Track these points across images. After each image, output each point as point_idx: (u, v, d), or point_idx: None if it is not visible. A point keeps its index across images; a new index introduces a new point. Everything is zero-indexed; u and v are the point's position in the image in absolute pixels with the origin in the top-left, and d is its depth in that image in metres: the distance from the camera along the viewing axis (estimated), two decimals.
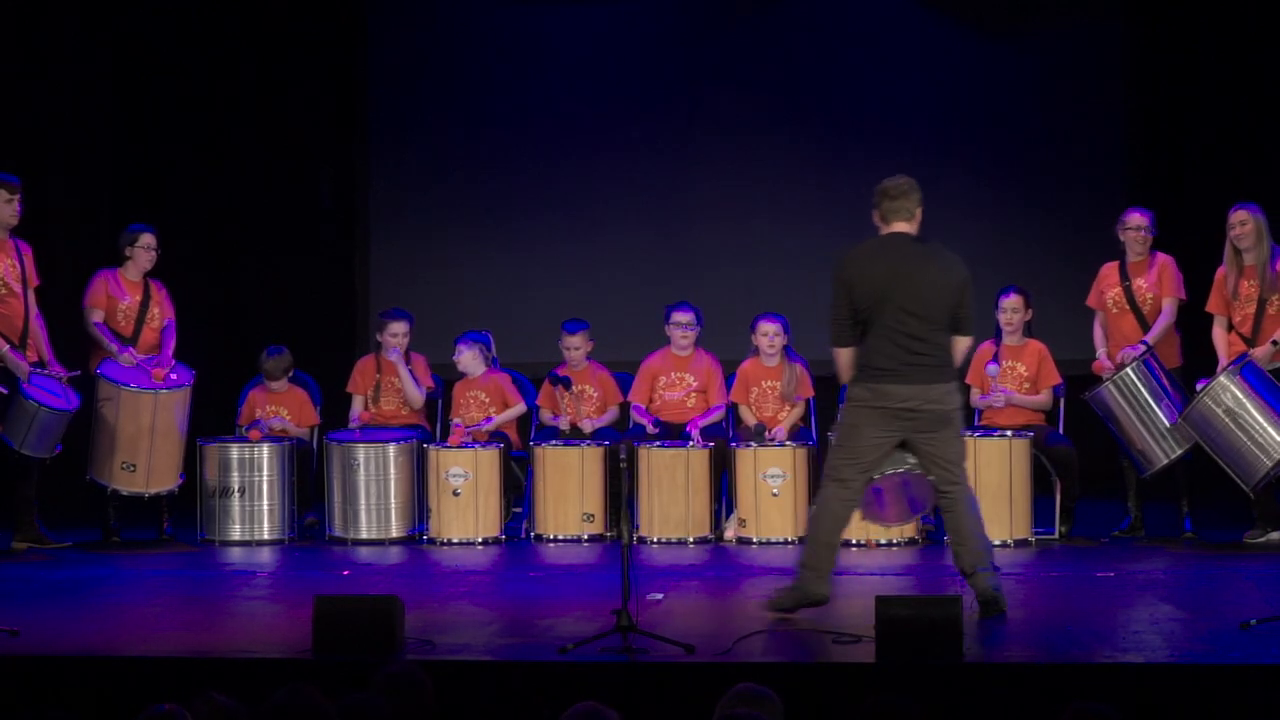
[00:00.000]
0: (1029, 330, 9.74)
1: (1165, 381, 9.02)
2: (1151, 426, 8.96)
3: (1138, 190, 11.51)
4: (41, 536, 9.29)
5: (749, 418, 9.73)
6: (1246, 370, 8.61)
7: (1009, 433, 9.26)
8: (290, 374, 10.05)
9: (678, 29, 12.15)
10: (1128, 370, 9.01)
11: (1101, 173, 11.91)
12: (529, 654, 6.40)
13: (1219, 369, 8.85)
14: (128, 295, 9.62)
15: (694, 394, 9.87)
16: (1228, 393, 8.56)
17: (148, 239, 9.69)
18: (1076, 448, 9.47)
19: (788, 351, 9.78)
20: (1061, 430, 9.67)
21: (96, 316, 9.53)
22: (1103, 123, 11.91)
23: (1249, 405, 8.53)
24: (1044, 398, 9.60)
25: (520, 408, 9.97)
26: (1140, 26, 11.89)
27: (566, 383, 9.88)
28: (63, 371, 9.21)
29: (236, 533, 9.52)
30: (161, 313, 9.73)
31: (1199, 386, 8.75)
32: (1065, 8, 12.00)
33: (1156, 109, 11.85)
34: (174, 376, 9.44)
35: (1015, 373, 9.59)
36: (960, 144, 11.99)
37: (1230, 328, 9.10)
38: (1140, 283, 9.40)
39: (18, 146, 10.58)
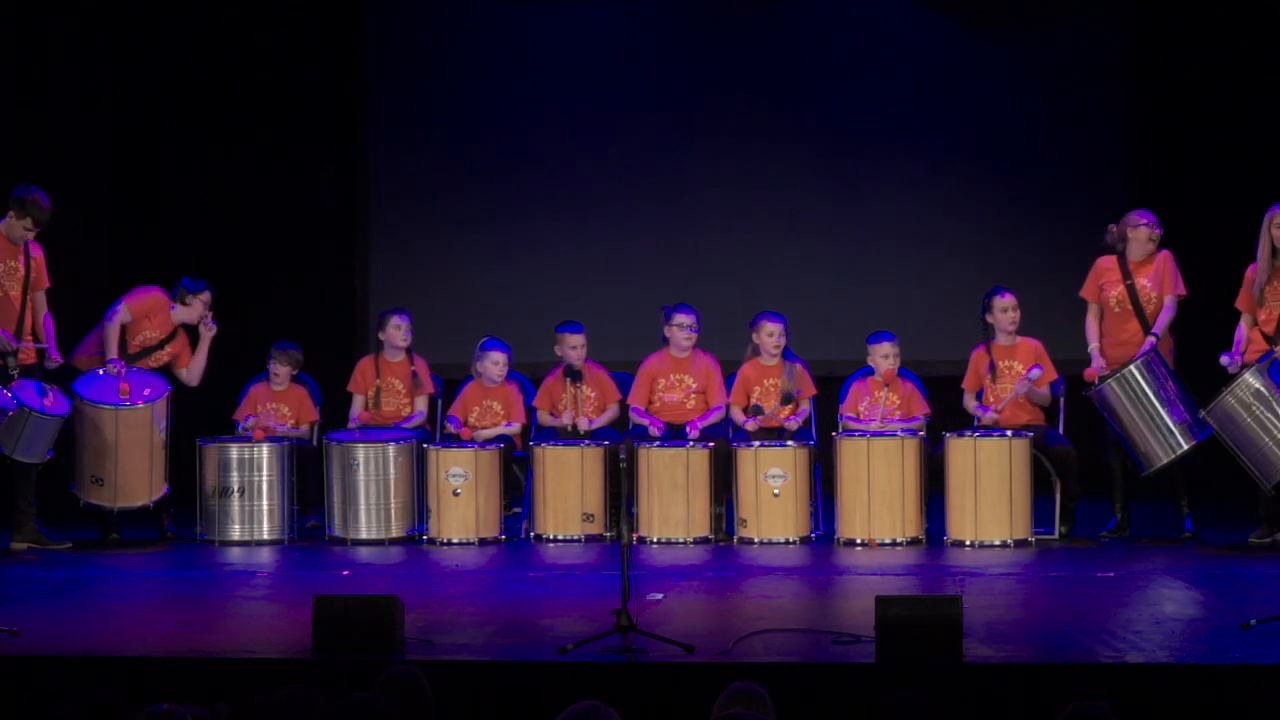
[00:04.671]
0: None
1: (1169, 379, 9.01)
2: (1154, 425, 8.96)
3: (1138, 190, 11.52)
4: (41, 537, 9.29)
5: (740, 417, 9.72)
6: (1274, 369, 8.60)
7: (1009, 433, 9.25)
8: (295, 374, 10.06)
9: (679, 32, 12.17)
10: (1131, 368, 9.00)
11: (1102, 173, 11.93)
12: (529, 654, 6.39)
13: (1234, 360, 8.83)
14: (162, 329, 9.74)
15: (694, 395, 9.86)
16: (1252, 390, 8.55)
17: (208, 296, 9.84)
18: (1076, 448, 9.47)
19: (786, 351, 9.78)
20: (1061, 430, 9.66)
21: (125, 318, 9.60)
22: (1103, 122, 11.92)
23: (1275, 404, 8.52)
24: (1044, 391, 9.59)
25: (515, 427, 9.96)
26: (1141, 26, 11.90)
27: (577, 375, 9.86)
28: (57, 358, 9.21)
29: (236, 533, 9.52)
30: (176, 357, 9.78)
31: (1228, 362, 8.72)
32: (1066, 9, 12.01)
33: (1157, 109, 11.86)
34: (147, 391, 9.41)
35: (1013, 372, 9.58)
36: (960, 145, 12.00)
37: (1254, 325, 9.06)
38: (1144, 282, 9.37)
39: (18, 146, 10.59)
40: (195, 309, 9.82)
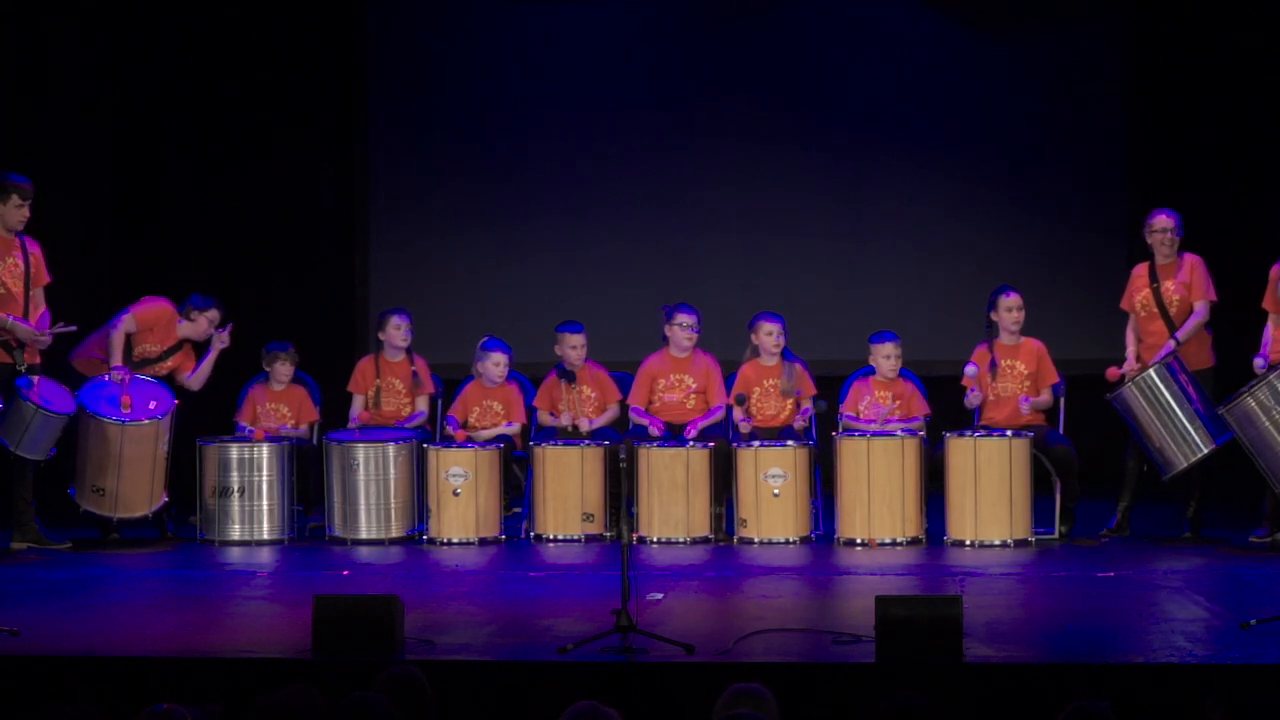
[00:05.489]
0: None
1: (1189, 384, 9.00)
2: (1173, 429, 8.96)
3: (1138, 190, 11.52)
4: (41, 537, 9.29)
5: (741, 416, 9.72)
6: None
7: (1009, 433, 9.25)
8: (294, 373, 10.05)
9: (679, 32, 12.17)
10: (1150, 372, 9.00)
11: (1102, 173, 11.92)
12: (529, 654, 6.40)
13: (1263, 358, 8.82)
14: (166, 342, 9.74)
15: (693, 395, 9.86)
16: (1275, 393, 8.54)
17: (215, 314, 9.84)
18: (1076, 448, 9.47)
19: (786, 351, 9.78)
20: (1061, 430, 9.66)
21: (130, 327, 9.59)
22: (1105, 122, 11.93)
23: None
24: (1045, 397, 9.60)
25: (515, 427, 9.96)
26: (1141, 26, 11.89)
27: (571, 376, 9.86)
28: (47, 330, 9.19)
29: (236, 533, 9.51)
30: (177, 368, 9.77)
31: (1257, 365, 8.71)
32: (1066, 9, 12.01)
33: (1159, 108, 11.86)
34: (153, 405, 9.41)
35: (1015, 371, 9.58)
36: (960, 145, 12.00)
37: None
38: (1169, 285, 9.37)
39: (18, 146, 10.58)
40: (200, 325, 9.84)
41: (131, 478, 9.29)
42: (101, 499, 9.30)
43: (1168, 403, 8.97)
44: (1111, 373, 9.35)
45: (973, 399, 9.53)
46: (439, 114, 12.27)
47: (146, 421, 9.31)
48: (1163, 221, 9.41)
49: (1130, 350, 9.45)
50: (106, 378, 9.40)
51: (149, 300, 9.81)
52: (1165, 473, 9.07)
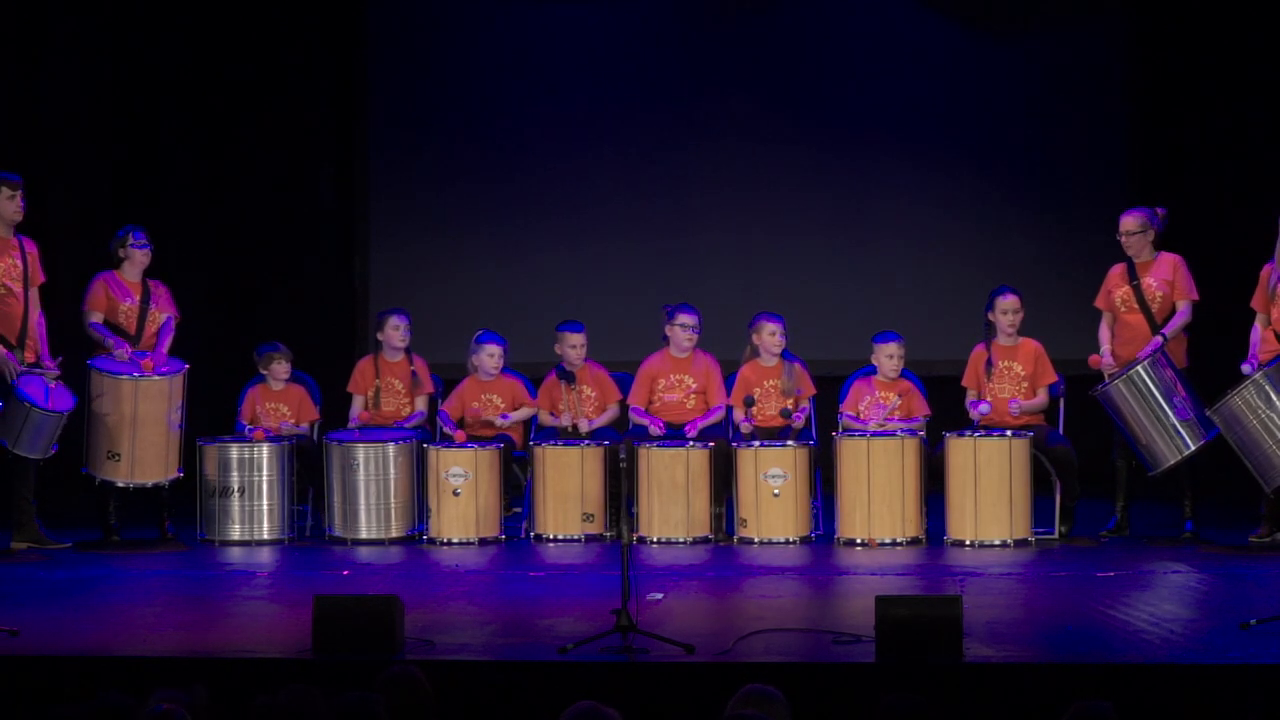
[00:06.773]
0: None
1: (1177, 380, 9.01)
2: (1161, 426, 8.96)
3: (1138, 190, 11.52)
4: (41, 537, 9.28)
5: (740, 417, 9.71)
6: None
7: (1009, 433, 9.25)
8: (290, 371, 10.04)
9: (678, 32, 12.17)
10: (1138, 369, 9.00)
11: (1102, 173, 11.92)
12: (529, 654, 6.40)
13: (1250, 364, 8.83)
14: (129, 296, 9.63)
15: (693, 395, 9.86)
16: (1262, 393, 8.55)
17: (140, 237, 9.68)
18: (1076, 448, 9.47)
19: (785, 351, 9.78)
20: (1061, 430, 9.66)
21: (95, 319, 9.55)
22: (1103, 122, 11.92)
23: None
24: (1041, 399, 9.59)
25: (532, 411, 9.96)
26: (1141, 26, 11.89)
27: (571, 378, 9.87)
28: (52, 367, 9.18)
29: (236, 532, 9.51)
30: (162, 311, 9.72)
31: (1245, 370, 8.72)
32: (1066, 9, 12.01)
33: (1157, 109, 11.86)
34: (163, 369, 9.42)
35: (1012, 372, 9.58)
36: (959, 145, 12.00)
37: (1268, 325, 9.05)
38: (1149, 281, 9.39)
39: (19, 146, 10.58)
40: (137, 256, 9.66)
41: (146, 439, 9.28)
42: (117, 465, 9.28)
43: (1156, 399, 8.98)
44: (1094, 360, 9.35)
45: (1013, 409, 9.47)
46: (439, 114, 12.27)
47: (159, 377, 9.30)
48: (1128, 224, 9.43)
49: (1105, 346, 9.44)
50: (114, 357, 9.39)
51: (88, 288, 9.67)
52: (1152, 469, 9.08)
